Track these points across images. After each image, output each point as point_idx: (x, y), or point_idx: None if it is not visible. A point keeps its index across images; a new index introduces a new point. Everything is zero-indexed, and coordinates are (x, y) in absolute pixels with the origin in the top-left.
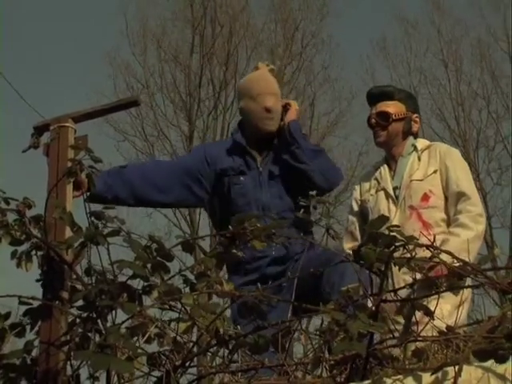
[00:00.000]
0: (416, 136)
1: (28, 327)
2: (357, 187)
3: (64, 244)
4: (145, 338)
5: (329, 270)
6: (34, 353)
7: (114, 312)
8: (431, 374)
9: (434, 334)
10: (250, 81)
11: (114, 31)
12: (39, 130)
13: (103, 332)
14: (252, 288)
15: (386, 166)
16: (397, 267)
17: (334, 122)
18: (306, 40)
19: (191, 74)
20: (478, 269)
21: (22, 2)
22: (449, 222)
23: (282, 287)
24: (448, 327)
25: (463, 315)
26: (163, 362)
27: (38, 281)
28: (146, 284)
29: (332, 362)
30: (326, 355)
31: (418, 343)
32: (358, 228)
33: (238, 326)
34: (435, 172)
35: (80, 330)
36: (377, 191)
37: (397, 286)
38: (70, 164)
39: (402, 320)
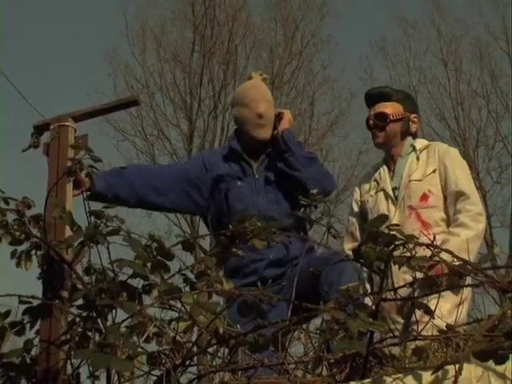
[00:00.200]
0: (415, 136)
1: (28, 326)
2: (357, 189)
3: (64, 243)
4: (144, 337)
5: (327, 269)
6: (34, 352)
7: (113, 311)
8: (431, 373)
9: (434, 333)
10: (243, 89)
11: (113, 31)
12: (39, 130)
13: (103, 331)
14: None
15: (385, 166)
16: (397, 266)
17: (334, 122)
18: (305, 40)
19: (191, 73)
20: (477, 268)
21: (22, 2)
22: (448, 222)
23: (281, 288)
24: (448, 326)
25: (463, 314)
26: (163, 361)
27: (39, 278)
28: (145, 283)
29: (332, 361)
30: (326, 354)
31: (418, 342)
32: (358, 229)
33: (238, 326)
34: (434, 172)
35: (80, 329)
36: (376, 192)
37: (397, 285)
38: (69, 163)
39: (401, 320)
